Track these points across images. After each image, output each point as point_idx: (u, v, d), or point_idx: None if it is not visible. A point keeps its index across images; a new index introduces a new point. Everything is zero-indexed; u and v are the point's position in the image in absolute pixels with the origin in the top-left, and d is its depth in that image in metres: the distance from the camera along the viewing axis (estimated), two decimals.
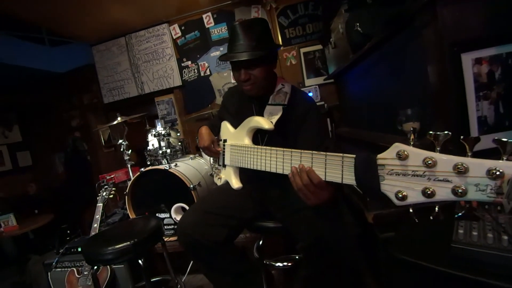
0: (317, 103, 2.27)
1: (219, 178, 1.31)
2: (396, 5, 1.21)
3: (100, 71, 3.29)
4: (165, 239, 1.80)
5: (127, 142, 2.19)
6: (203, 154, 2.43)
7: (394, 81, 1.30)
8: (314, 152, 0.71)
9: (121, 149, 2.17)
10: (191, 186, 1.77)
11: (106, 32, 3.05)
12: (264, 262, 1.27)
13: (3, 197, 3.30)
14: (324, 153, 0.68)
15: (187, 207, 1.86)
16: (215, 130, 1.31)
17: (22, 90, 3.56)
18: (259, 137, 1.11)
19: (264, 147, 0.92)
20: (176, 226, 1.90)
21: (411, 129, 0.55)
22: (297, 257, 1.43)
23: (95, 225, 1.71)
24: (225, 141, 1.24)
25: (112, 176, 2.03)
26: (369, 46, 1.31)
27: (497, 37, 0.88)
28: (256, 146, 0.99)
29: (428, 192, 0.49)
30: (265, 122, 1.00)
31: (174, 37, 3.06)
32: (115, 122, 2.17)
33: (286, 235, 1.07)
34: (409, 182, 0.52)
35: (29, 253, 2.91)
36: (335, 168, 0.66)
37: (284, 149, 0.82)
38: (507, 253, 0.53)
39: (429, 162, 0.49)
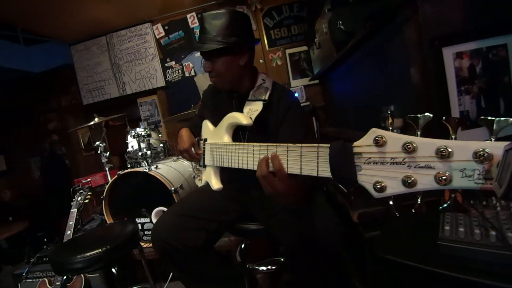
0: (303, 104, 2.25)
1: (199, 179, 1.25)
2: (378, 2, 1.21)
3: (79, 72, 3.16)
4: (145, 245, 1.71)
5: (104, 144, 2.09)
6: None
7: (377, 78, 1.29)
8: (289, 144, 0.66)
9: (99, 151, 2.07)
10: (172, 188, 1.70)
11: (85, 31, 2.94)
12: (247, 266, 1.21)
13: None
14: (300, 144, 0.64)
15: None
16: (197, 130, 1.25)
17: None
18: (240, 134, 1.06)
19: (241, 143, 0.88)
20: None
21: (389, 111, 0.51)
22: (282, 259, 1.38)
23: (69, 232, 1.60)
24: (205, 140, 1.18)
25: (88, 180, 1.92)
26: (352, 43, 1.30)
27: (478, 32, 0.87)
28: (234, 143, 0.94)
29: (409, 181, 0.45)
30: (243, 118, 0.95)
31: (158, 37, 2.99)
32: (91, 123, 2.06)
33: (269, 237, 1.03)
34: (388, 171, 0.48)
35: (1, 263, 2.72)
36: (311, 161, 0.61)
37: (261, 143, 0.77)
38: (495, 250, 0.50)
39: (408, 147, 0.44)
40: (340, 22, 1.41)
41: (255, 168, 0.79)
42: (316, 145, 0.59)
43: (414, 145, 0.44)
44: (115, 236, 1.17)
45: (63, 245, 1.25)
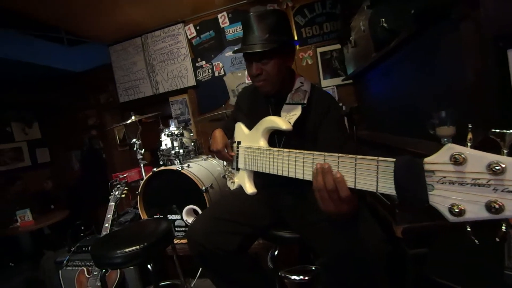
0: None
1: (232, 182, 1.25)
2: None
3: (116, 71, 3.33)
4: (175, 241, 1.76)
5: (140, 141, 2.18)
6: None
7: (423, 81, 1.19)
8: (340, 154, 0.62)
9: (135, 148, 2.16)
10: (203, 188, 1.72)
11: (122, 32, 3.08)
12: (279, 274, 1.19)
13: (21, 192, 3.38)
14: (354, 156, 0.59)
15: (198, 210, 1.81)
16: (230, 132, 1.25)
17: (42, 88, 3.66)
18: (276, 138, 1.03)
19: (282, 149, 0.85)
20: (187, 229, 1.85)
21: (469, 126, 0.45)
22: (313, 268, 1.34)
23: (107, 225, 1.69)
24: (239, 143, 1.18)
25: (125, 175, 2.02)
26: (396, 42, 1.21)
27: None
28: (272, 148, 0.91)
29: (495, 207, 0.39)
30: (282, 122, 0.92)
31: (189, 37, 3.05)
32: (129, 121, 2.16)
33: (303, 245, 0.99)
34: (468, 193, 0.42)
35: (44, 248, 2.96)
36: (368, 174, 0.56)
37: (305, 151, 0.73)
38: None
39: (496, 168, 0.39)
40: (383, 19, 1.32)
41: (298, 176, 0.76)
42: (376, 158, 0.55)
43: (503, 165, 0.38)
44: (152, 233, 1.21)
45: (103, 239, 1.32)
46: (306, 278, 1.18)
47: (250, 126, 1.12)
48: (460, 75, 0.95)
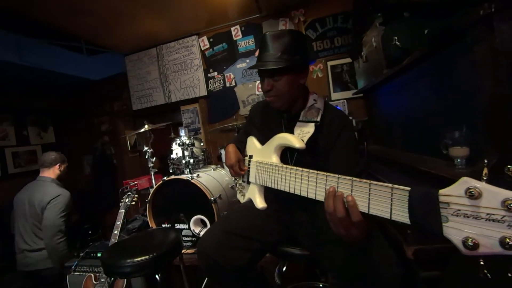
0: None
1: (242, 195, 1.26)
2: (439, 18, 1.12)
3: (131, 80, 3.43)
4: (182, 252, 1.76)
5: (152, 150, 2.22)
6: (224, 165, 2.41)
7: (437, 100, 1.19)
8: (354, 178, 0.62)
9: (146, 156, 2.20)
10: (212, 198, 1.73)
11: (139, 43, 3.19)
12: None
13: None
14: (368, 181, 0.59)
15: (206, 220, 1.82)
16: (242, 145, 1.26)
17: (59, 95, 3.79)
18: (288, 155, 1.04)
19: (295, 167, 0.85)
20: (194, 239, 1.86)
21: (485, 162, 0.46)
22: (321, 285, 1.31)
23: (116, 232, 1.71)
24: (250, 157, 1.19)
25: (135, 182, 2.05)
26: (409, 61, 1.22)
27: None
28: (285, 166, 0.92)
29: (509, 243, 0.40)
30: (296, 141, 0.93)
31: (203, 49, 3.13)
32: (142, 130, 2.21)
33: (312, 263, 0.98)
34: (482, 227, 0.43)
35: None
36: (382, 201, 0.57)
37: (318, 172, 0.74)
38: None
39: (511, 204, 0.39)
40: (396, 38, 1.34)
41: (310, 196, 0.77)
42: (390, 185, 0.55)
43: None
44: (161, 244, 1.22)
45: (113, 247, 1.34)
46: None
47: (262, 141, 1.13)
48: (475, 97, 0.95)
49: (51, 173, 2.06)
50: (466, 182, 0.44)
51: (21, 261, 1.92)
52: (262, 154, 1.10)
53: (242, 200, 1.24)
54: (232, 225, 1.01)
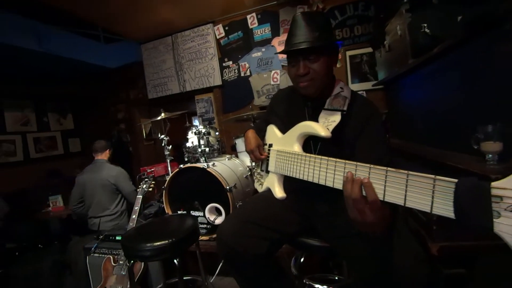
0: None
1: (260, 184, 1.25)
2: (473, 5, 1.05)
3: (146, 68, 3.45)
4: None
5: (168, 138, 2.24)
6: (239, 155, 2.41)
7: (468, 91, 1.13)
8: (389, 169, 0.60)
9: (162, 144, 2.23)
10: (228, 187, 1.74)
11: (155, 31, 3.19)
12: (304, 281, 1.17)
13: (53, 178, 3.60)
14: (406, 171, 0.57)
15: (221, 208, 1.84)
16: (261, 133, 1.25)
17: (77, 82, 3.87)
18: (312, 144, 1.01)
19: (318, 156, 0.83)
20: (208, 226, 1.89)
21: None
22: (336, 277, 1.31)
23: (134, 216, 1.76)
24: (270, 145, 1.17)
25: (152, 169, 2.09)
26: (439, 49, 1.16)
27: None
28: (307, 154, 0.90)
29: None
30: (321, 129, 0.90)
31: (218, 37, 3.09)
32: (158, 118, 2.23)
33: (331, 255, 0.97)
34: None
35: (71, 233, 3.13)
36: (421, 193, 0.54)
37: (346, 161, 0.72)
38: None
39: None
40: (425, 25, 1.27)
41: (328, 184, 0.75)
42: (433, 176, 0.52)
43: None
44: (180, 229, 1.24)
45: (132, 231, 1.37)
46: None
47: (283, 130, 1.10)
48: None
49: (104, 156, 2.51)
50: None
51: (91, 224, 2.43)
52: (283, 142, 1.08)
53: (260, 189, 1.24)
54: (251, 214, 1.01)
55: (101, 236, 1.93)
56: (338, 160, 0.75)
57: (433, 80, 1.43)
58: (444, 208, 0.50)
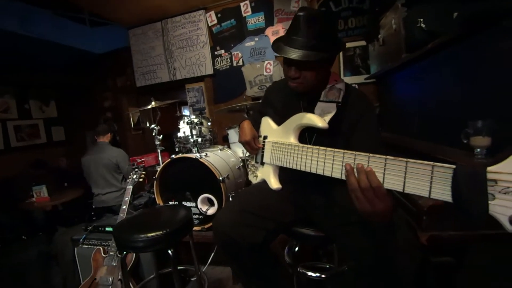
0: None
1: (255, 176, 1.25)
2: (469, 1, 1.07)
3: (135, 55, 3.33)
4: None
5: (159, 127, 2.19)
6: (231, 146, 2.40)
7: (460, 87, 1.16)
8: (389, 157, 0.62)
9: (153, 134, 2.18)
10: (221, 178, 1.74)
11: (143, 15, 3.06)
12: (298, 269, 1.20)
13: (38, 169, 3.47)
14: (405, 159, 0.59)
15: (213, 199, 1.83)
16: (256, 125, 1.24)
17: (61, 68, 3.69)
18: (307, 136, 1.02)
19: (316, 146, 0.84)
20: (201, 217, 1.88)
21: None
22: (327, 266, 1.35)
23: (124, 207, 1.72)
24: (265, 137, 1.17)
25: (142, 159, 2.05)
26: (434, 44, 1.17)
27: None
28: (303, 145, 0.91)
29: None
30: (318, 120, 0.91)
31: (210, 24, 3.01)
32: (149, 106, 2.17)
33: (326, 244, 0.99)
34: None
35: (57, 224, 3.05)
36: (421, 179, 0.56)
37: (345, 151, 0.73)
38: None
39: None
40: (421, 20, 1.28)
41: (326, 173, 0.78)
42: (431, 163, 0.55)
43: None
44: (173, 220, 1.23)
45: (124, 222, 1.35)
46: (323, 276, 1.19)
47: (278, 122, 1.11)
48: (504, 85, 0.92)
49: (106, 139, 2.68)
50: None
51: (97, 201, 2.61)
52: (278, 134, 1.08)
53: (255, 181, 1.24)
54: (248, 204, 1.02)
55: (90, 227, 1.89)
56: (336, 150, 0.77)
57: (426, 76, 1.45)
58: (442, 192, 0.53)
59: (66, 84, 3.87)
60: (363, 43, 2.54)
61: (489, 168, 0.47)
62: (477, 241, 0.81)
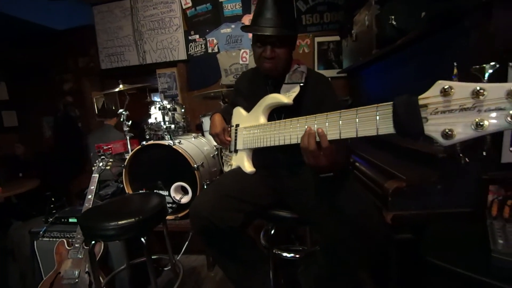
0: None
1: (229, 165, 1.25)
2: (436, 1, 1.15)
3: (99, 34, 3.08)
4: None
5: (127, 113, 2.07)
6: (205, 134, 2.36)
7: (425, 82, 1.25)
8: (342, 110, 0.72)
9: (121, 119, 2.06)
10: (195, 165, 1.71)
11: None
12: (274, 251, 1.24)
13: None
14: (355, 109, 0.69)
15: (187, 187, 1.80)
16: (228, 116, 1.27)
17: (14, 44, 3.28)
18: (275, 116, 1.08)
19: (282, 120, 0.92)
20: (174, 205, 1.84)
21: (455, 64, 0.55)
22: (300, 248, 1.41)
23: (90, 197, 1.62)
24: (237, 125, 1.19)
25: (109, 146, 1.92)
26: (403, 41, 1.25)
27: None
28: (272, 122, 0.98)
29: (481, 124, 0.47)
30: (283, 97, 0.99)
31: (184, 7, 2.88)
32: (116, 90, 2.03)
33: (299, 225, 1.04)
34: (456, 118, 0.50)
35: (11, 218, 2.78)
36: (368, 121, 0.66)
37: (307, 116, 0.83)
38: None
39: (479, 91, 0.47)
40: (393, 17, 1.35)
41: (292, 141, 0.86)
42: (375, 105, 0.64)
43: (483, 89, 0.47)
44: (146, 207, 1.19)
45: (91, 210, 1.27)
46: (297, 256, 1.25)
47: (248, 108, 1.15)
48: (465, 80, 1.01)
49: (112, 122, 2.85)
50: (440, 84, 0.53)
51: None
52: (249, 120, 1.13)
53: (228, 170, 1.25)
54: (226, 188, 1.03)
55: (51, 219, 1.76)
56: (299, 118, 0.85)
57: (394, 71, 1.55)
58: (386, 127, 0.62)
59: (19, 63, 3.45)
60: (337, 38, 2.62)
61: (420, 96, 0.55)
62: (434, 219, 0.90)
